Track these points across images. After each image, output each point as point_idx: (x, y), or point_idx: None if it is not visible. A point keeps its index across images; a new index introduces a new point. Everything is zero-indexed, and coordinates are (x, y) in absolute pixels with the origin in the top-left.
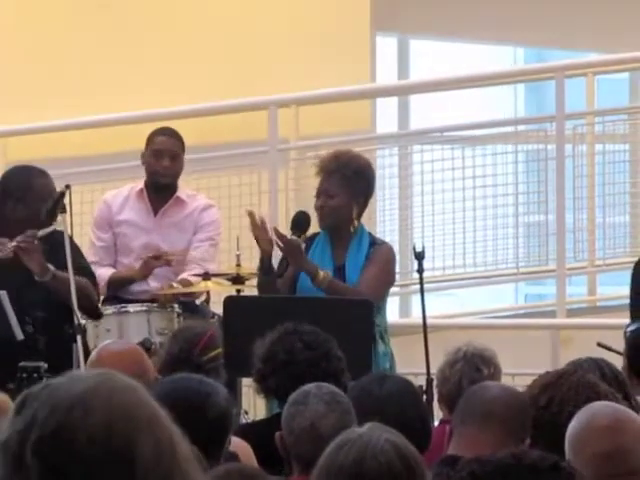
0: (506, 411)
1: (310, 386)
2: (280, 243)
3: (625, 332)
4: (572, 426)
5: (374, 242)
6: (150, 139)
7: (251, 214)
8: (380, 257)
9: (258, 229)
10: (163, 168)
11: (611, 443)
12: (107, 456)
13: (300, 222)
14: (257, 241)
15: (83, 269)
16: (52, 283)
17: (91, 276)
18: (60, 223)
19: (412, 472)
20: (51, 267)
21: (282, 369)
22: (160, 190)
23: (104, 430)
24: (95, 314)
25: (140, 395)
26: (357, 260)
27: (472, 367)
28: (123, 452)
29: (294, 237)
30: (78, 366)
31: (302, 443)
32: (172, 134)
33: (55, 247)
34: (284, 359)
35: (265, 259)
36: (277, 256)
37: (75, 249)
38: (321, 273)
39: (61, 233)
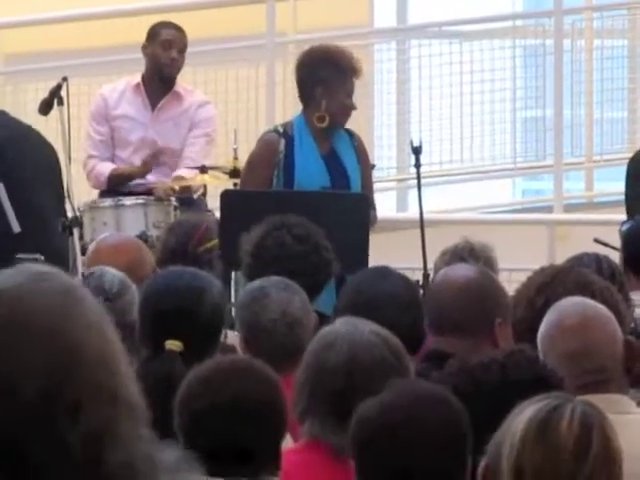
0: (468, 317)
1: (257, 282)
2: None
3: (620, 229)
4: (543, 325)
5: (345, 129)
6: (156, 31)
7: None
8: (367, 156)
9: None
10: (171, 59)
11: (580, 341)
12: None
13: None
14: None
15: None
16: None
17: None
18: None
19: (400, 360)
20: None
21: (273, 264)
22: (162, 82)
23: None
24: None
25: (61, 302)
26: (345, 147)
27: (457, 258)
28: (2, 356)
29: None
30: (74, 259)
31: (276, 335)
32: (180, 29)
33: None
34: (275, 254)
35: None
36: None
37: None
38: None
39: None
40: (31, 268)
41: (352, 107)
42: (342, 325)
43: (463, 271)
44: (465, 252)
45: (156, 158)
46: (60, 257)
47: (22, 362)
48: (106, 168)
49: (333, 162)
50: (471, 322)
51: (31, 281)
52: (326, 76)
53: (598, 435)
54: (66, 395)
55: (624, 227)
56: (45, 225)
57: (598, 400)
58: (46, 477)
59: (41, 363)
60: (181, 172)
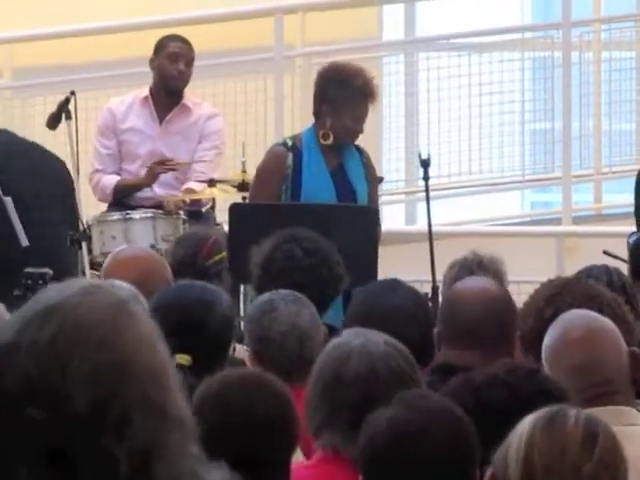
0: (489, 330)
1: (266, 295)
2: None
3: (628, 241)
4: (547, 339)
5: (355, 145)
6: (163, 44)
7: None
8: (375, 173)
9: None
10: (178, 72)
11: (585, 355)
12: (39, 370)
13: None
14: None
15: None
16: None
17: None
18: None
19: (414, 369)
20: None
21: (282, 277)
22: (169, 95)
23: (46, 345)
24: None
25: (111, 316)
26: (354, 164)
27: (466, 271)
28: (54, 369)
29: None
30: (83, 273)
31: (286, 347)
32: (187, 42)
33: None
34: (284, 267)
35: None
36: None
37: None
38: None
39: None
40: (80, 282)
41: (357, 131)
42: (354, 337)
43: (481, 282)
44: (474, 265)
45: (162, 165)
46: (69, 271)
47: (72, 375)
48: (112, 180)
49: (340, 178)
50: (491, 333)
51: (80, 295)
52: (334, 95)
53: (603, 434)
54: (115, 408)
55: (632, 239)
56: (53, 239)
57: (604, 412)
58: None
59: (91, 376)
60: (191, 185)
